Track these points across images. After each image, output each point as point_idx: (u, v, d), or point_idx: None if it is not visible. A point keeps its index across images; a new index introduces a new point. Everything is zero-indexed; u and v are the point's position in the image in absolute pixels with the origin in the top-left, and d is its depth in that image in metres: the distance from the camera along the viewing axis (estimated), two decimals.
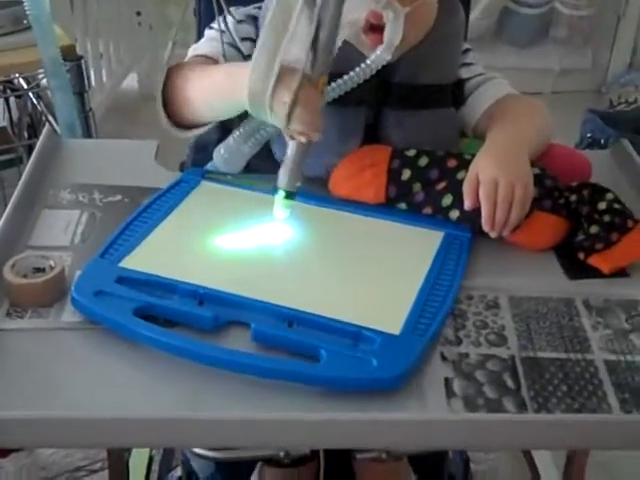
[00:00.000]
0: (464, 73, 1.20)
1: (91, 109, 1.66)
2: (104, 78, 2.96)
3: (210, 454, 1.31)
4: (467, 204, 1.02)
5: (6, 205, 1.02)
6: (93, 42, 2.84)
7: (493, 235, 1.01)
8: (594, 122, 2.77)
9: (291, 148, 0.99)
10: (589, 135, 2.75)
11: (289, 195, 1.00)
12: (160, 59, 3.24)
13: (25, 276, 0.91)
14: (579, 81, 3.43)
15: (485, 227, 1.01)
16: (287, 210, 1.01)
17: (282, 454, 1.20)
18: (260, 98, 0.94)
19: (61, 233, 1.02)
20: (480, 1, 3.22)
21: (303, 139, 0.97)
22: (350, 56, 1.05)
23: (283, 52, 0.92)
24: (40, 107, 1.82)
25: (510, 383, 0.84)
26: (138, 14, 3.17)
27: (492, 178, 1.00)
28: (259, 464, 1.23)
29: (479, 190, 1.01)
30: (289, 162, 1.00)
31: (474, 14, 3.09)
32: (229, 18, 1.14)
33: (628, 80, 3.37)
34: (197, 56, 1.14)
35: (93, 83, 1.93)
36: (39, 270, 0.92)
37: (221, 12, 1.10)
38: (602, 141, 2.69)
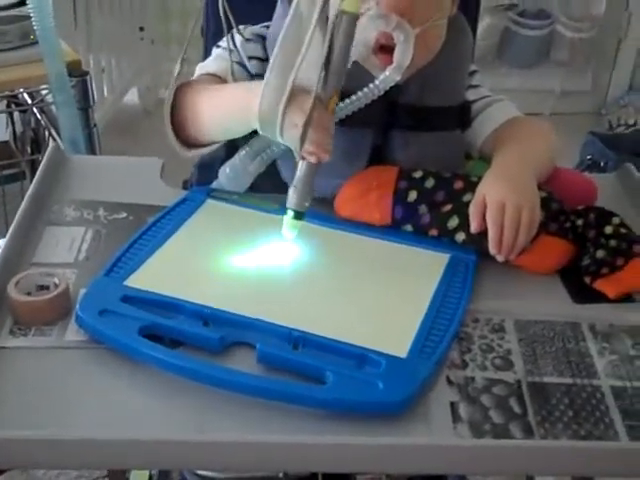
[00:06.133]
0: (471, 95, 1.20)
1: (95, 125, 1.65)
2: (105, 93, 2.96)
3: (209, 474, 1.30)
4: (474, 227, 1.01)
5: (7, 220, 1.01)
6: (95, 57, 2.84)
7: (500, 259, 1.01)
8: (594, 144, 2.77)
9: (300, 168, 0.99)
10: (589, 157, 2.76)
11: (298, 215, 1.00)
12: (161, 74, 3.25)
13: (29, 294, 0.90)
14: (579, 103, 3.43)
15: (492, 250, 1.00)
16: (295, 230, 1.00)
17: (281, 474, 1.19)
18: (272, 118, 0.94)
19: (65, 250, 1.01)
20: (481, 22, 3.22)
21: (313, 160, 0.97)
22: (358, 76, 1.04)
23: (295, 72, 0.92)
24: (43, 122, 1.81)
25: (516, 408, 0.84)
26: (141, 29, 3.17)
27: (499, 201, 1.00)
28: None
29: (486, 213, 1.00)
30: (299, 182, 0.99)
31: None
32: (237, 37, 1.14)
33: (628, 102, 3.38)
34: (205, 74, 1.14)
35: (95, 98, 1.92)
36: (43, 288, 0.91)
37: (230, 30, 1.10)
38: (602, 164, 2.70)
